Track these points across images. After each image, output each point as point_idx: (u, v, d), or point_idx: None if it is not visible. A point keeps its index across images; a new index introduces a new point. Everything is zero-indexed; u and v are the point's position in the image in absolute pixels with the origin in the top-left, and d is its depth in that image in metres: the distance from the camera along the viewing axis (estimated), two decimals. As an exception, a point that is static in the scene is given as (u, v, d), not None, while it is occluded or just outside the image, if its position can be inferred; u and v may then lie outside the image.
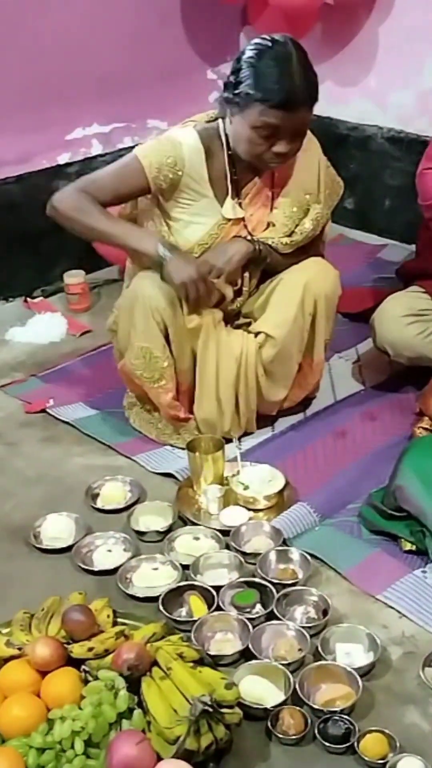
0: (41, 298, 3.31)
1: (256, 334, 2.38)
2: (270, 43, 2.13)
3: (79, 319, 3.16)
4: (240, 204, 2.32)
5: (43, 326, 3.10)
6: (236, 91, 2.14)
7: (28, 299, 3.30)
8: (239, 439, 2.43)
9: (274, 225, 2.36)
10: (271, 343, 2.34)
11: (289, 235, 2.37)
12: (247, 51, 2.15)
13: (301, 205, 2.37)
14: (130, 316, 2.29)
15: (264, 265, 2.38)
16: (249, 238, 2.33)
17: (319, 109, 3.67)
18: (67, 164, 3.35)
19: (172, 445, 2.46)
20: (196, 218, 2.31)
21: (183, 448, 2.37)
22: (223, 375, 2.35)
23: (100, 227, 2.25)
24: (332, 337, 2.47)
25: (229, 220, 2.31)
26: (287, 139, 2.17)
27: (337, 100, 3.67)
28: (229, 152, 2.28)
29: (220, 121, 2.29)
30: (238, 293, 2.40)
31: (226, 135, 2.27)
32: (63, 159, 3.35)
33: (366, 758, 1.59)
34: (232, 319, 2.45)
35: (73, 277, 3.21)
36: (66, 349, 2.98)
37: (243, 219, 2.33)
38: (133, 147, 3.36)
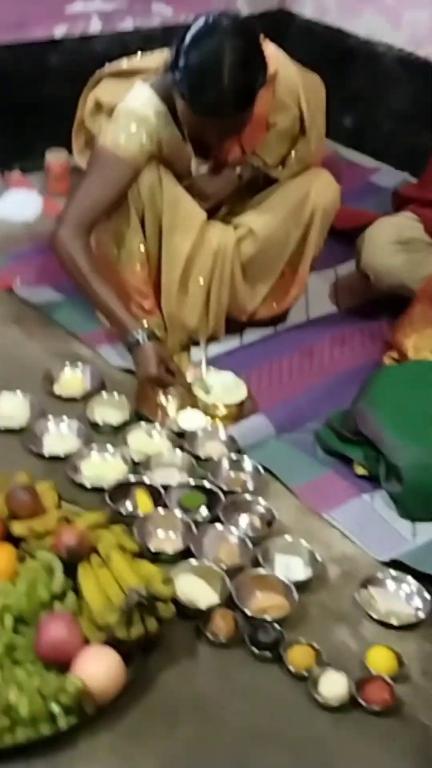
0: (19, 173, 3.19)
1: (237, 227, 2.32)
2: (207, 32, 1.96)
3: (56, 201, 3.05)
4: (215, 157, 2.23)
5: (18, 203, 3.01)
6: (174, 74, 2.00)
7: (5, 172, 3.18)
8: (206, 343, 2.38)
9: (263, 160, 2.30)
10: (252, 239, 2.28)
11: (283, 164, 2.31)
12: (187, 36, 1.98)
13: (286, 135, 2.28)
14: None
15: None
16: (239, 171, 2.28)
17: (330, 18, 3.60)
18: (63, 39, 3.19)
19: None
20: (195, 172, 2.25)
21: None
22: (197, 268, 2.28)
23: (89, 292, 2.17)
24: (320, 254, 2.42)
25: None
26: (217, 138, 2.09)
27: (350, 12, 3.53)
28: None
29: None
30: (216, 210, 2.35)
31: None
32: (59, 32, 3.19)
33: (291, 668, 1.61)
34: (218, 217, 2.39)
35: (56, 156, 3.09)
36: (39, 230, 2.87)
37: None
38: (132, 32, 3.31)
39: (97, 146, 2.18)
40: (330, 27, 3.61)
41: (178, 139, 2.17)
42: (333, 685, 1.57)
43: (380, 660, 1.63)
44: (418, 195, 2.63)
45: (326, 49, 3.54)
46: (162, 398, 2.19)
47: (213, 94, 1.96)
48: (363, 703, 1.55)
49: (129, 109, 2.15)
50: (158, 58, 2.23)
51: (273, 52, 2.16)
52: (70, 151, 3.12)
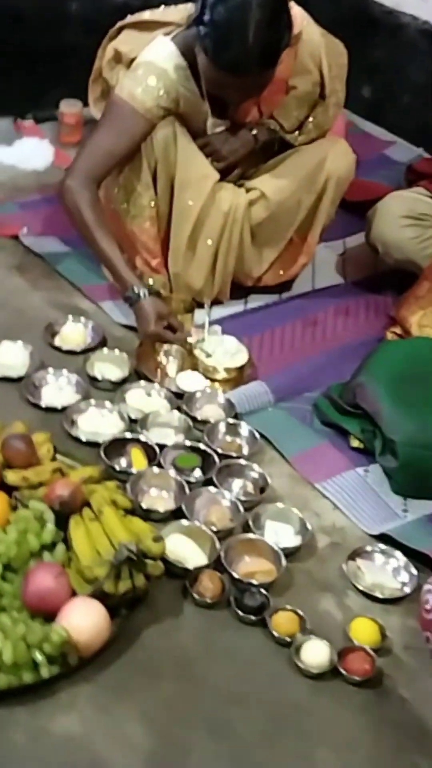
0: (32, 121, 3.15)
1: (250, 190, 2.30)
2: None
3: (67, 152, 3.01)
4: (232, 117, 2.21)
5: (29, 151, 2.97)
6: (198, 28, 1.97)
7: (18, 120, 3.14)
8: (210, 306, 2.37)
9: (280, 124, 2.28)
10: (264, 203, 2.26)
11: (300, 129, 2.29)
12: None
13: (305, 99, 2.26)
14: None
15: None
16: (255, 132, 2.25)
17: (356, -14, 3.53)
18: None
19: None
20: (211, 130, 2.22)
21: None
22: (206, 229, 2.26)
23: (90, 239, 2.15)
24: (331, 223, 2.41)
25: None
26: (237, 97, 2.07)
27: (377, -20, 3.48)
28: None
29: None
30: (229, 171, 2.33)
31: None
32: (82, -21, 3.13)
33: (275, 633, 1.61)
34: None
35: (70, 107, 3.05)
36: (49, 180, 2.83)
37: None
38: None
39: (113, 97, 2.15)
40: (356, -7, 3.56)
41: (197, 96, 2.14)
42: (315, 653, 1.58)
43: (363, 631, 1.64)
44: (431, 171, 2.61)
45: (350, 16, 3.47)
46: (162, 358, 2.18)
47: (238, 50, 1.93)
48: (344, 672, 1.57)
49: (148, 61, 2.11)
50: (182, 11, 2.20)
51: (298, 13, 2.13)
52: (85, 102, 3.09)
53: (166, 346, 2.17)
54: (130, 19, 2.31)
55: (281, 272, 2.47)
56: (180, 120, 2.18)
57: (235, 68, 1.97)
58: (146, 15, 2.28)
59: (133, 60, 2.17)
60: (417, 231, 2.47)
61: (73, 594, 1.55)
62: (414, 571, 1.77)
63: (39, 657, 1.45)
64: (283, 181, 2.27)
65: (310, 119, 2.30)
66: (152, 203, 2.24)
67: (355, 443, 2.06)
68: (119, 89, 2.13)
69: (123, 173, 2.22)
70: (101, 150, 2.15)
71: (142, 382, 2.12)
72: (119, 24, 2.32)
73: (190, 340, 2.19)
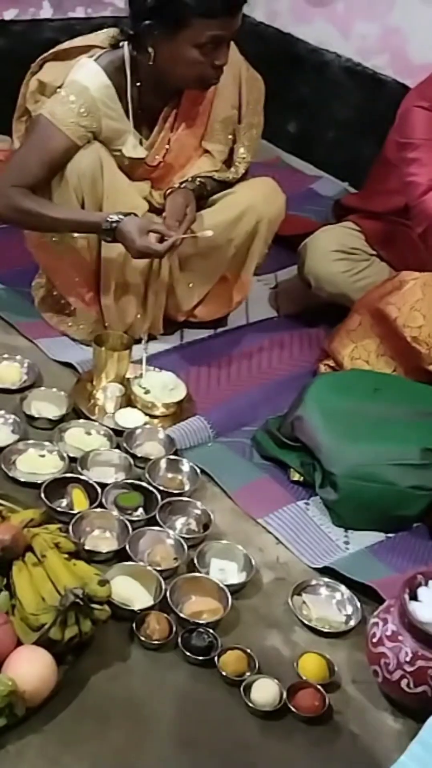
0: (-43, 156, 3.11)
1: None
2: None
3: (-4, 188, 2.99)
4: (157, 132, 2.24)
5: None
6: (164, 13, 2.00)
7: None
8: (147, 341, 2.36)
9: (209, 152, 2.31)
10: (191, 242, 2.27)
11: (227, 164, 2.33)
12: None
13: (228, 123, 2.30)
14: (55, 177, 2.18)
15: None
16: (187, 185, 2.26)
17: (282, 23, 3.61)
18: (13, 21, 3.13)
19: (68, 336, 2.38)
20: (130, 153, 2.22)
21: (77, 340, 2.34)
22: (134, 262, 2.25)
23: (47, 219, 2.14)
24: (263, 262, 2.43)
25: (133, 159, 2.22)
26: (226, 47, 2.09)
27: (301, 18, 3.56)
28: (138, 83, 2.17)
29: (125, 45, 2.15)
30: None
31: (132, 62, 2.14)
32: (9, 15, 3.12)
33: (224, 673, 1.60)
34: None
35: (-1, 142, 3.02)
36: (-21, 217, 2.81)
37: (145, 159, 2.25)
38: (85, 18, 3.26)
39: (35, 115, 2.16)
40: (280, 31, 3.62)
41: (120, 115, 2.16)
42: (264, 692, 1.58)
43: (311, 667, 1.64)
44: (359, 206, 2.66)
45: (275, 54, 3.55)
46: (100, 395, 2.16)
47: None
48: (294, 709, 1.56)
49: (71, 80, 2.13)
50: (101, 36, 2.21)
51: None
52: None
53: (104, 383, 2.16)
54: (49, 52, 2.30)
55: (217, 309, 2.48)
56: (105, 148, 2.18)
57: (231, 6, 2.01)
58: (65, 45, 2.28)
59: (56, 89, 2.17)
60: (348, 265, 2.52)
61: (18, 642, 1.51)
62: (358, 604, 1.78)
63: (-15, 709, 1.41)
64: (211, 219, 2.28)
65: (238, 146, 2.33)
66: (82, 235, 2.23)
67: (295, 476, 2.08)
68: (42, 108, 2.15)
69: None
70: (24, 167, 2.15)
71: (81, 421, 2.10)
72: (40, 58, 2.31)
73: (127, 375, 2.19)
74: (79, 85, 2.11)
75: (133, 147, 2.21)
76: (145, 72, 2.15)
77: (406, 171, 2.24)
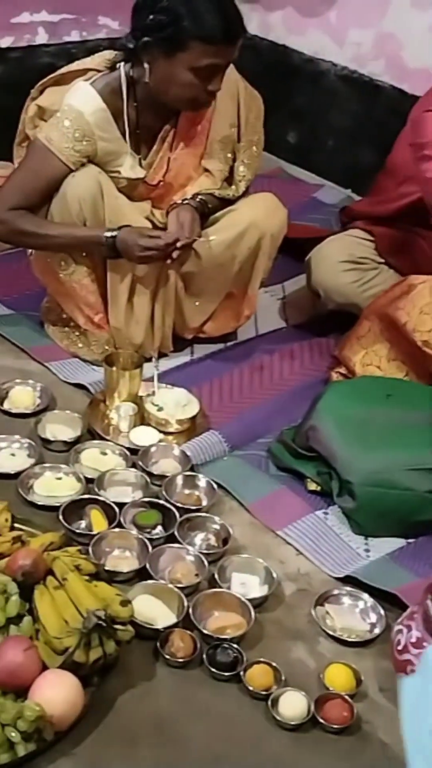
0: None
1: None
2: None
3: None
4: (156, 152, 2.25)
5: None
6: (164, 33, 2.01)
7: None
8: (158, 359, 2.37)
9: (208, 171, 2.31)
10: (194, 258, 2.27)
11: (228, 181, 2.33)
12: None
13: (227, 142, 2.30)
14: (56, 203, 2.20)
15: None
16: (189, 202, 2.27)
17: (276, 35, 3.63)
18: (9, 48, 3.16)
19: (79, 358, 2.39)
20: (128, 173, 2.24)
21: (88, 361, 2.35)
22: (141, 282, 2.26)
23: (47, 239, 2.19)
24: (269, 275, 2.44)
25: (131, 179, 2.23)
26: (222, 74, 2.10)
27: (295, 30, 3.57)
28: (135, 103, 2.18)
29: (121, 66, 2.16)
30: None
31: (129, 83, 2.16)
32: (5, 42, 3.15)
33: (250, 688, 1.60)
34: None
35: (1, 168, 3.04)
36: (-16, 243, 2.84)
37: (145, 178, 2.26)
38: (81, 42, 3.28)
39: (32, 140, 2.19)
40: (275, 43, 3.64)
41: (116, 138, 2.17)
42: (292, 705, 1.57)
43: (338, 678, 1.63)
44: (368, 211, 2.65)
45: (272, 66, 3.56)
46: (113, 414, 2.17)
47: (226, 20, 2.01)
48: (322, 721, 1.56)
49: (67, 105, 2.15)
50: (98, 59, 2.23)
51: None
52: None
53: (117, 402, 2.16)
54: (48, 77, 2.32)
55: (225, 324, 2.49)
56: (103, 171, 2.20)
57: (229, 36, 2.02)
58: (63, 70, 2.30)
59: (55, 113, 2.19)
60: (357, 275, 2.51)
61: (44, 666, 1.52)
62: (381, 612, 1.77)
63: (14, 735, 1.41)
64: (214, 239, 2.29)
65: (238, 164, 2.34)
66: (87, 259, 2.24)
67: (312, 486, 2.07)
68: (39, 132, 2.18)
69: None
70: (21, 188, 2.18)
71: (96, 441, 2.11)
72: (39, 84, 2.33)
73: (140, 394, 2.19)
74: (73, 110, 2.13)
75: (131, 167, 2.23)
76: (143, 92, 2.17)
77: (423, 168, 2.23)
